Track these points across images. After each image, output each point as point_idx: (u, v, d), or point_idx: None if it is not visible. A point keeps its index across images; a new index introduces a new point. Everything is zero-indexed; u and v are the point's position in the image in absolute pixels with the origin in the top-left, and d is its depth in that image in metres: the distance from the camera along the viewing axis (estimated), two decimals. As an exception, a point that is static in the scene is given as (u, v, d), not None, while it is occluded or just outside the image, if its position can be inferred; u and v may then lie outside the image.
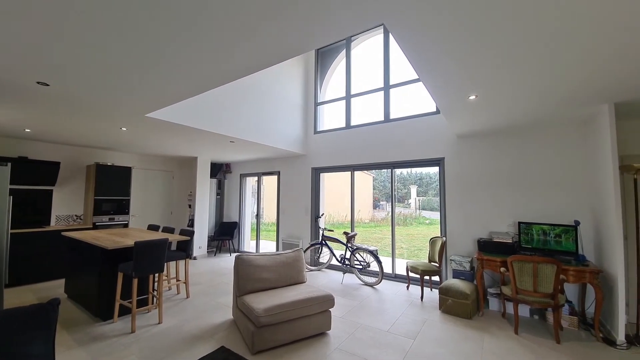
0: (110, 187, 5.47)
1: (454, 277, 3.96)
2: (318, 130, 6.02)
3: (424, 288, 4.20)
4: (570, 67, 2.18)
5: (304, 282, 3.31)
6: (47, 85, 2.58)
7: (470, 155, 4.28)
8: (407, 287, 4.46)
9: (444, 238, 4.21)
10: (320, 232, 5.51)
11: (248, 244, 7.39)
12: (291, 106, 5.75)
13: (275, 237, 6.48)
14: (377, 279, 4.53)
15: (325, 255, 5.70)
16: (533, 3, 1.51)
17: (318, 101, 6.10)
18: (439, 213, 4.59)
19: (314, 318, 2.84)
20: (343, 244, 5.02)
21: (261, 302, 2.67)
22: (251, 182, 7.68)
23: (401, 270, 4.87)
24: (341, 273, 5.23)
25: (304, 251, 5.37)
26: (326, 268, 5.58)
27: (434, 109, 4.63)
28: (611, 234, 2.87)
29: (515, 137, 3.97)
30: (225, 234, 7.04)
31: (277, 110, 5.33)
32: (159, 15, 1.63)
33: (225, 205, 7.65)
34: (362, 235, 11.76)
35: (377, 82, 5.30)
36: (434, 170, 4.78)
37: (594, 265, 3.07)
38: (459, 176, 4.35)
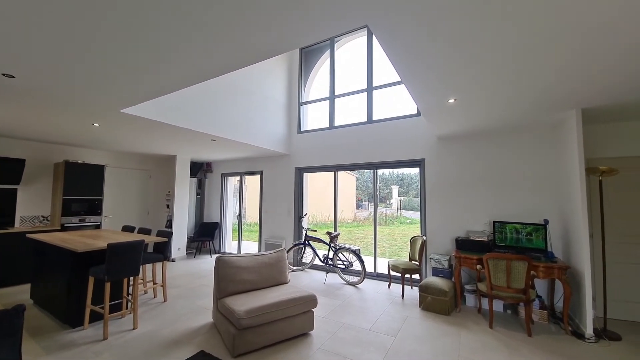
0: (81, 186, 5.19)
1: (433, 275, 4.07)
2: (302, 130, 6.00)
3: (405, 286, 4.29)
4: (540, 76, 2.30)
5: (287, 283, 3.28)
6: (13, 77, 2.41)
7: (449, 156, 4.41)
8: (389, 285, 4.53)
9: (424, 237, 4.32)
10: (304, 232, 5.50)
11: (229, 245, 7.25)
12: (274, 105, 5.69)
13: (258, 237, 6.40)
14: (359, 278, 4.58)
15: (308, 256, 5.69)
16: (506, 16, 1.57)
17: (302, 101, 6.08)
18: (419, 213, 4.70)
19: (296, 319, 2.82)
20: (326, 243, 5.03)
21: (242, 304, 2.62)
22: (233, 181, 7.54)
23: (383, 269, 4.95)
24: (324, 273, 5.24)
25: (287, 251, 5.33)
26: (309, 268, 5.57)
27: (415, 111, 4.74)
28: (578, 232, 3.05)
29: (491, 140, 4.13)
30: (205, 234, 6.87)
31: (260, 109, 5.26)
32: (135, 2, 1.56)
33: (205, 206, 7.46)
34: (345, 235, 11.84)
35: (361, 83, 5.36)
36: (415, 171, 4.89)
37: (562, 262, 3.25)
38: (438, 177, 4.47)
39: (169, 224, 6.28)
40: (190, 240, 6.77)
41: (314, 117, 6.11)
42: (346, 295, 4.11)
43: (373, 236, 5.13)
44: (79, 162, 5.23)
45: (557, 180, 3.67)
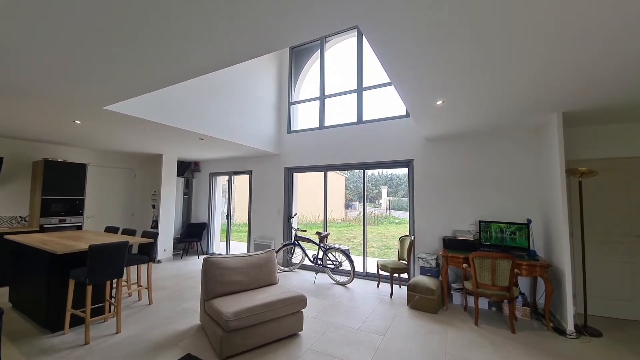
0: (61, 186, 5.00)
1: (421, 274, 4.12)
2: (292, 129, 5.98)
3: (394, 285, 4.33)
4: (523, 81, 2.36)
5: (276, 284, 3.26)
6: (-13, 70, 2.30)
7: (437, 157, 4.48)
8: (378, 284, 4.56)
9: (412, 237, 4.37)
10: (293, 232, 5.47)
11: (218, 246, 7.14)
12: (264, 105, 5.65)
13: (247, 238, 6.33)
14: (349, 277, 4.59)
15: (297, 256, 5.67)
16: (492, 24, 1.61)
17: (292, 100, 6.05)
18: (407, 213, 4.76)
19: (285, 319, 2.80)
20: (316, 243, 5.03)
21: (231, 305, 2.59)
22: (221, 181, 7.43)
23: (372, 268, 4.98)
24: (314, 273, 5.24)
25: (276, 252, 5.30)
26: (299, 268, 5.55)
27: (404, 112, 4.79)
28: (558, 231, 3.15)
29: (477, 141, 4.23)
30: (192, 235, 6.74)
31: (250, 108, 5.20)
32: None
33: (193, 206, 7.32)
34: (335, 235, 11.87)
35: (351, 83, 5.38)
36: (404, 171, 4.95)
37: (544, 260, 3.35)
38: (426, 177, 4.54)
39: (155, 224, 6.14)
40: (177, 241, 6.63)
41: (304, 117, 6.09)
42: (336, 295, 4.12)
43: (362, 236, 5.16)
44: (59, 160, 5.04)
45: (539, 180, 3.78)
